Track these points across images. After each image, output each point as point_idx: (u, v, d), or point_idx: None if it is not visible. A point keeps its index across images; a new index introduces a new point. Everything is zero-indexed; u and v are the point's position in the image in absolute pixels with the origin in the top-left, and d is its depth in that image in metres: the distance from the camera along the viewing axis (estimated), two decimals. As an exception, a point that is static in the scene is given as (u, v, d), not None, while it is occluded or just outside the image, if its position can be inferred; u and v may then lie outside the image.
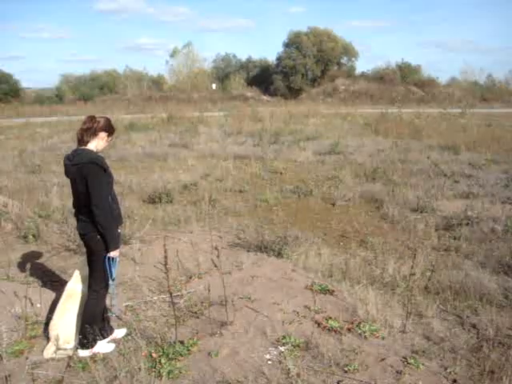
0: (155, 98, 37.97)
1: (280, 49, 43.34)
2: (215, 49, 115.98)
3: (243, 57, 48.08)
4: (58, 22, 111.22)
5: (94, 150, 3.22)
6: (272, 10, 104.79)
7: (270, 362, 3.17)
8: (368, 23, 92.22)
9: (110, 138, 3.34)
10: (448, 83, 40.95)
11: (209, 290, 3.57)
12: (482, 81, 40.91)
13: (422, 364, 3.12)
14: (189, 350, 3.27)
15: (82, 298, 3.40)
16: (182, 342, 3.33)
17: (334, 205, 7.51)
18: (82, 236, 3.29)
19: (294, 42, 41.18)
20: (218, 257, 3.51)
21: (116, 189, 3.46)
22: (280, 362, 3.15)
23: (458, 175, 9.20)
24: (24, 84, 42.58)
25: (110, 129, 3.29)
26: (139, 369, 2.97)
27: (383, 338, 3.46)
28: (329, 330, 3.56)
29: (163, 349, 3.25)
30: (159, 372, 3.03)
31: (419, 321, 3.76)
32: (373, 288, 4.17)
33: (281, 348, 3.32)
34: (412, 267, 3.71)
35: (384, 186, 8.37)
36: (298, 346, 3.34)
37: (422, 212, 6.82)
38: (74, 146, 3.30)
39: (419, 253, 4.62)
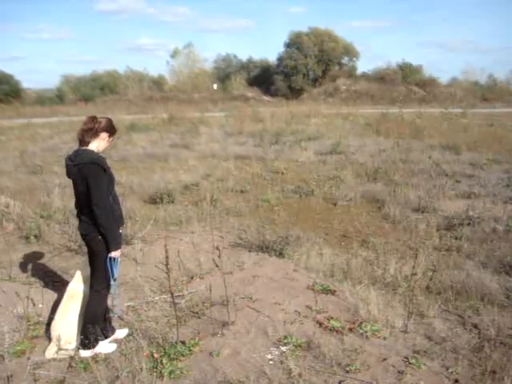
0: (156, 98, 37.98)
1: (281, 49, 43.40)
2: (216, 49, 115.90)
3: (244, 57, 48.16)
4: (58, 22, 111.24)
5: (95, 151, 3.22)
6: (272, 10, 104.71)
7: (271, 362, 3.17)
8: (368, 23, 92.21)
9: (111, 139, 3.34)
10: (449, 83, 40.91)
11: (210, 290, 3.57)
12: (483, 81, 40.90)
13: (424, 364, 3.11)
14: (190, 350, 3.27)
15: (83, 298, 3.40)
16: (183, 342, 3.33)
17: (335, 205, 7.51)
18: (84, 236, 3.29)
19: (294, 43, 41.18)
20: (219, 257, 3.51)
21: (117, 189, 3.46)
22: (281, 362, 3.15)
23: (459, 175, 9.19)
24: (25, 85, 42.68)
25: (111, 129, 3.29)
26: (141, 369, 2.97)
27: (385, 338, 3.46)
28: (330, 329, 3.56)
29: (165, 349, 3.25)
30: (161, 372, 3.03)
31: (421, 321, 3.76)
32: (374, 288, 4.17)
33: (282, 348, 3.31)
34: (413, 267, 3.71)
35: (385, 186, 8.37)
36: (300, 345, 3.34)
37: (423, 212, 6.81)
38: (75, 146, 3.30)
39: (421, 253, 4.62)
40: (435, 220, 6.31)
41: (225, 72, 45.32)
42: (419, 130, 15.03)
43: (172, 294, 3.37)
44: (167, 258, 3.13)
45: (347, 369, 3.05)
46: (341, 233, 6.21)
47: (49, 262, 5.11)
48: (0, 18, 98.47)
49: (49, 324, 3.56)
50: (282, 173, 9.91)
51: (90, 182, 3.07)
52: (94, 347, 3.28)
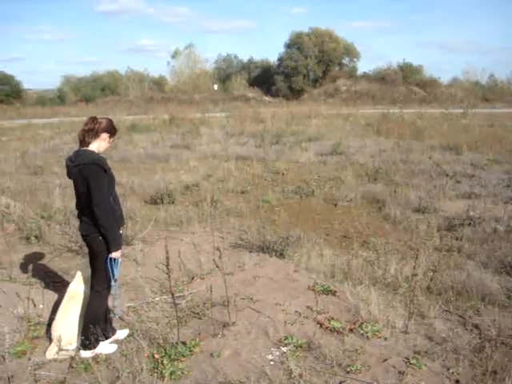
0: (157, 99, 38.05)
1: (281, 49, 43.32)
2: (217, 50, 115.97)
3: (245, 58, 48.14)
4: (58, 23, 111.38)
5: (96, 151, 3.22)
6: (273, 10, 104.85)
7: (272, 363, 3.17)
8: (369, 24, 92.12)
9: (111, 139, 3.34)
10: (450, 83, 40.87)
11: (211, 291, 3.57)
12: (484, 81, 40.83)
13: (425, 364, 3.11)
14: (191, 351, 3.27)
15: (84, 299, 3.41)
16: (184, 343, 3.33)
17: (336, 205, 7.51)
18: (84, 237, 3.30)
19: (295, 43, 41.18)
20: (219, 257, 3.51)
21: (118, 190, 3.46)
22: (282, 363, 3.15)
23: (459, 175, 9.17)
24: (25, 85, 42.76)
25: (111, 130, 3.29)
26: (141, 370, 2.97)
27: (385, 339, 3.46)
28: (331, 330, 3.56)
29: (165, 350, 3.25)
30: (161, 373, 3.03)
31: (421, 321, 3.75)
32: (375, 288, 4.16)
33: (283, 348, 3.31)
34: (414, 268, 3.70)
35: (386, 187, 8.36)
36: (301, 346, 3.34)
37: (424, 212, 6.80)
38: (76, 147, 3.31)
39: (421, 253, 4.61)
40: (436, 220, 6.30)
41: (225, 72, 45.35)
42: (420, 130, 15.04)
43: (173, 294, 3.37)
44: (168, 258, 3.13)
45: (348, 369, 3.05)
46: (341, 233, 6.20)
47: (49, 262, 5.11)
48: (0, 19, 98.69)
49: (49, 325, 3.56)
50: (283, 173, 9.91)
51: (91, 183, 3.07)
52: (94, 348, 3.28)
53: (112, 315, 3.70)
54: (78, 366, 3.14)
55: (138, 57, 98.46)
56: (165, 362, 3.12)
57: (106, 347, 3.36)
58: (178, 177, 9.50)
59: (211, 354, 3.25)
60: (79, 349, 3.28)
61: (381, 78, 39.53)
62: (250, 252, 5.26)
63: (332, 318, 3.70)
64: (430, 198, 7.29)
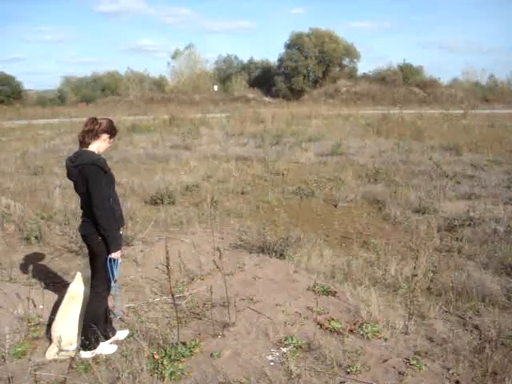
0: (157, 99, 38.10)
1: (282, 50, 43.39)
2: (217, 50, 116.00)
3: (245, 58, 48.25)
4: (59, 23, 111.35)
5: (96, 152, 3.22)
6: (273, 11, 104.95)
7: (272, 364, 3.17)
8: (369, 24, 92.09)
9: (112, 140, 3.34)
10: (450, 84, 40.89)
11: (211, 292, 3.57)
12: (484, 81, 40.83)
13: (425, 365, 3.11)
14: (191, 352, 3.27)
15: (84, 299, 3.41)
16: (184, 344, 3.33)
17: (336, 206, 7.51)
18: (84, 237, 3.30)
19: (295, 44, 41.23)
20: (220, 258, 3.51)
21: (118, 190, 3.46)
22: (282, 364, 3.14)
23: (460, 176, 9.17)
24: (26, 86, 42.87)
25: (111, 130, 3.29)
26: (141, 370, 2.97)
27: (385, 339, 3.46)
28: (331, 331, 3.56)
29: (165, 350, 3.25)
30: (161, 373, 3.03)
31: (421, 322, 3.75)
32: (375, 289, 4.16)
33: (283, 349, 3.31)
34: (414, 268, 3.70)
35: (386, 187, 8.36)
36: (301, 347, 3.34)
37: (424, 213, 6.80)
38: (76, 147, 3.31)
39: (421, 254, 4.61)
40: (436, 221, 6.30)
41: (226, 73, 45.40)
42: (420, 131, 15.05)
43: (173, 295, 3.37)
44: (168, 259, 3.14)
45: (348, 370, 3.05)
46: (341, 234, 6.20)
47: (49, 263, 5.11)
48: (0, 19, 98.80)
49: (49, 325, 3.56)
50: (283, 174, 9.91)
51: (90, 183, 3.07)
52: (94, 348, 3.28)
53: (112, 316, 3.70)
54: (78, 366, 3.14)
55: (138, 57, 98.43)
56: (165, 362, 3.12)
57: (106, 348, 3.36)
58: (178, 177, 9.51)
59: (211, 355, 3.25)
60: (79, 349, 3.27)
61: (381, 78, 39.57)
62: (250, 252, 5.26)
63: (332, 319, 3.70)
64: (430, 199, 7.30)
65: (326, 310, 3.87)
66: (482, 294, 4.15)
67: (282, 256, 5.08)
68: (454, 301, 4.09)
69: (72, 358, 2.95)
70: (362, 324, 3.62)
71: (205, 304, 4.04)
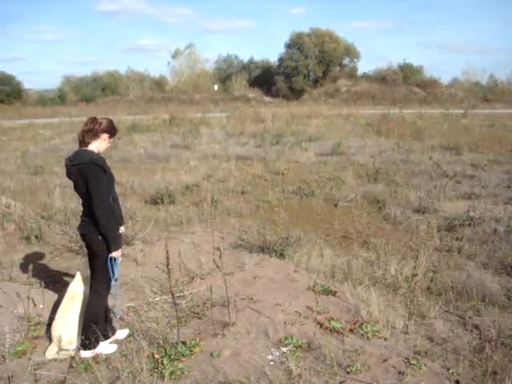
0: (157, 99, 38.11)
1: (282, 50, 43.35)
2: (217, 50, 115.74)
3: (245, 58, 48.24)
4: (59, 23, 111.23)
5: (96, 151, 3.22)
6: (273, 10, 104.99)
7: (272, 363, 3.17)
8: (369, 24, 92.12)
9: (111, 140, 3.34)
10: (450, 84, 40.88)
11: (211, 291, 3.57)
12: (484, 81, 40.82)
13: (425, 365, 3.11)
14: (191, 351, 3.27)
15: (84, 299, 3.41)
16: (184, 343, 3.33)
17: (336, 205, 7.51)
18: (83, 236, 3.30)
19: (295, 43, 41.20)
20: (220, 258, 3.51)
21: (118, 190, 3.46)
22: (282, 363, 3.15)
23: (460, 176, 9.16)
24: (26, 85, 42.83)
25: (111, 130, 3.29)
26: (141, 369, 2.97)
27: (385, 339, 3.46)
28: (331, 330, 3.56)
29: (165, 350, 3.25)
30: (161, 373, 3.03)
31: (421, 322, 3.75)
32: (375, 289, 4.16)
33: (283, 349, 3.31)
34: (414, 268, 3.70)
35: (386, 187, 8.36)
36: (301, 346, 3.34)
37: (424, 213, 6.80)
38: (76, 147, 3.31)
39: (421, 253, 4.61)
40: (436, 221, 6.30)
41: (226, 73, 45.39)
42: (420, 130, 15.04)
43: (173, 294, 3.37)
44: (168, 258, 3.13)
45: (348, 369, 3.05)
46: (341, 233, 6.20)
47: (49, 262, 5.12)
48: (1, 19, 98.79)
49: (49, 324, 3.57)
50: (283, 173, 9.90)
51: (90, 183, 3.07)
52: (94, 348, 3.28)
53: (112, 315, 3.70)
54: (78, 365, 3.14)
55: (138, 57, 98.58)
56: (165, 361, 3.12)
57: (105, 347, 3.36)
58: (179, 177, 9.50)
59: (211, 354, 3.25)
60: (79, 349, 3.28)
61: (381, 78, 39.56)
62: (250, 252, 5.26)
63: (332, 319, 3.70)
64: (430, 199, 7.29)
65: (326, 310, 3.87)
66: (482, 293, 4.15)
67: (282, 255, 5.08)
68: (454, 300, 4.09)
69: (72, 358, 2.95)
70: (362, 324, 3.62)
71: (205, 303, 4.04)
